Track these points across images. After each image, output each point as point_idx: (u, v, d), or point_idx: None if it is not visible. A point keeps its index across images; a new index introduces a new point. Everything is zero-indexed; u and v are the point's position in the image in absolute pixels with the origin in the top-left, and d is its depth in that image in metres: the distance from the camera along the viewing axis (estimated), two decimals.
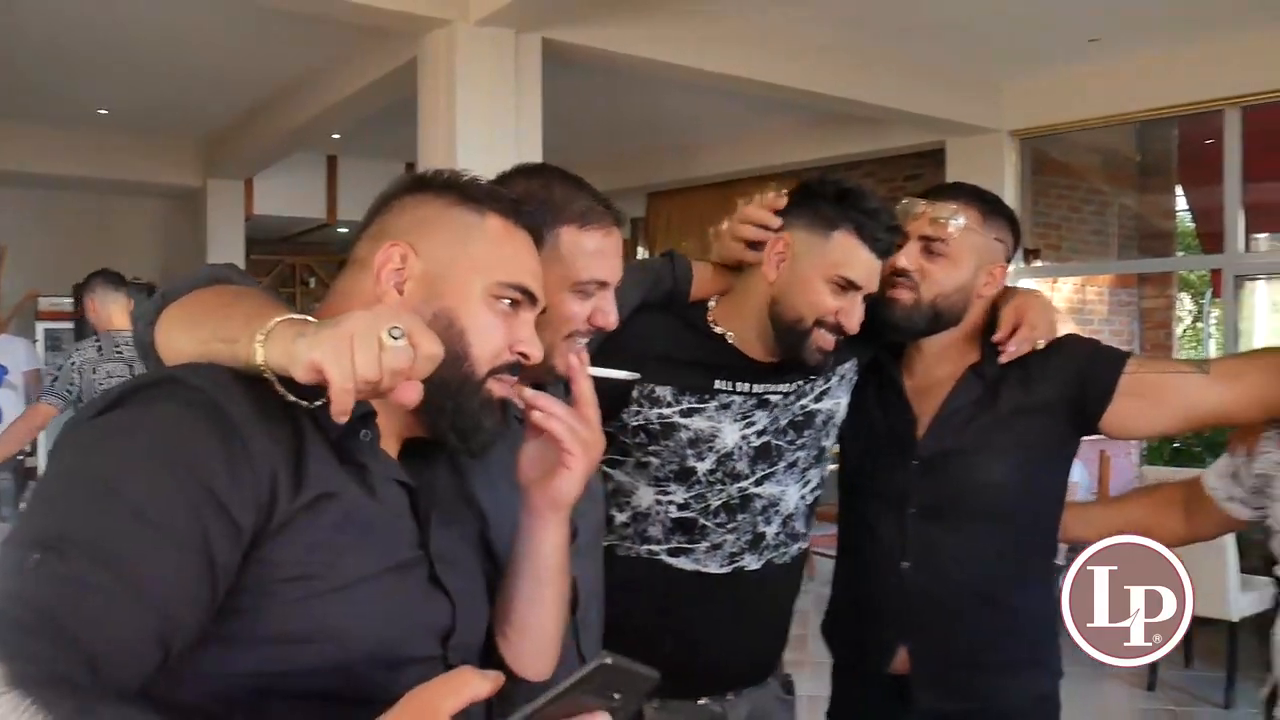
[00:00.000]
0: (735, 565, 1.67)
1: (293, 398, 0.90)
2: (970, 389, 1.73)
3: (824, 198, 1.60)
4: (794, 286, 1.60)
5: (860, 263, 1.58)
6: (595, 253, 1.29)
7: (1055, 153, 6.69)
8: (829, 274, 1.57)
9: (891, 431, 1.76)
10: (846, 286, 1.58)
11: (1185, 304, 9.60)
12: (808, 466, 1.72)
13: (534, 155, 4.48)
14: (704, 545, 1.65)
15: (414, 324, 0.88)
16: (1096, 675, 4.96)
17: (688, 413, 1.63)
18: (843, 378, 1.77)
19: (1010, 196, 6.12)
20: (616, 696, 0.77)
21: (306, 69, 5.70)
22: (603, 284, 1.29)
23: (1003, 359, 1.69)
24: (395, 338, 0.85)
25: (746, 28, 4.99)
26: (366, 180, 8.04)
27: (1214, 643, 4.44)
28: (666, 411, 1.63)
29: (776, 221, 1.61)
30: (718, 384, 1.64)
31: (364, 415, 0.94)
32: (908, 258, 1.69)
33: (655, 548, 1.66)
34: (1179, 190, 7.40)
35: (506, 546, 1.13)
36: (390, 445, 1.02)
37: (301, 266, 10.59)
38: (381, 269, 1.00)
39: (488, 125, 4.27)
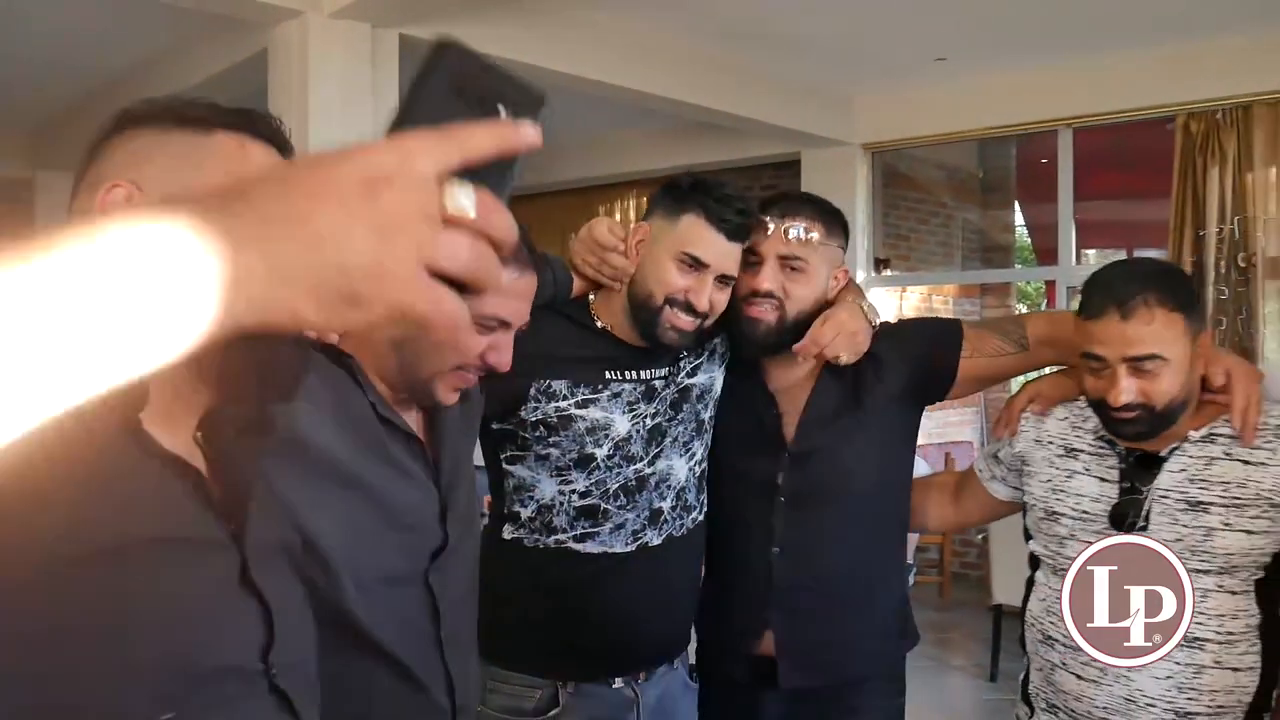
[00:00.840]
0: (639, 542, 1.74)
1: None
2: (830, 388, 1.82)
3: (679, 187, 1.70)
4: (646, 268, 1.69)
5: (706, 241, 1.66)
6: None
7: (903, 167, 6.93)
8: (675, 252, 1.67)
9: (760, 425, 1.83)
10: (693, 264, 1.67)
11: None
12: (689, 439, 1.80)
13: None
14: (608, 526, 1.72)
15: None
16: (940, 668, 5.15)
17: (583, 404, 1.70)
18: (713, 352, 1.86)
19: (861, 207, 6.32)
20: (502, 109, 0.58)
21: (148, 55, 5.41)
22: (504, 323, 1.30)
23: (797, 353, 1.77)
24: None
25: (606, 33, 4.99)
26: None
27: None
28: (563, 405, 1.69)
29: (631, 268, 1.71)
30: (608, 374, 1.72)
31: None
32: (770, 280, 1.75)
33: (562, 536, 1.71)
34: (1017, 206, 7.77)
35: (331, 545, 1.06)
36: (180, 421, 0.87)
37: None
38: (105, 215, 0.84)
39: (343, 123, 4.12)
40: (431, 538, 1.34)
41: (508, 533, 1.74)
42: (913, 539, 6.42)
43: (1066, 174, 5.73)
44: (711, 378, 1.83)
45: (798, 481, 1.80)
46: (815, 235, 1.76)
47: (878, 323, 1.84)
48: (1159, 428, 1.60)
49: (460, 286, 0.53)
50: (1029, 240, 8.47)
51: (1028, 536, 1.81)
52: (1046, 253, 6.80)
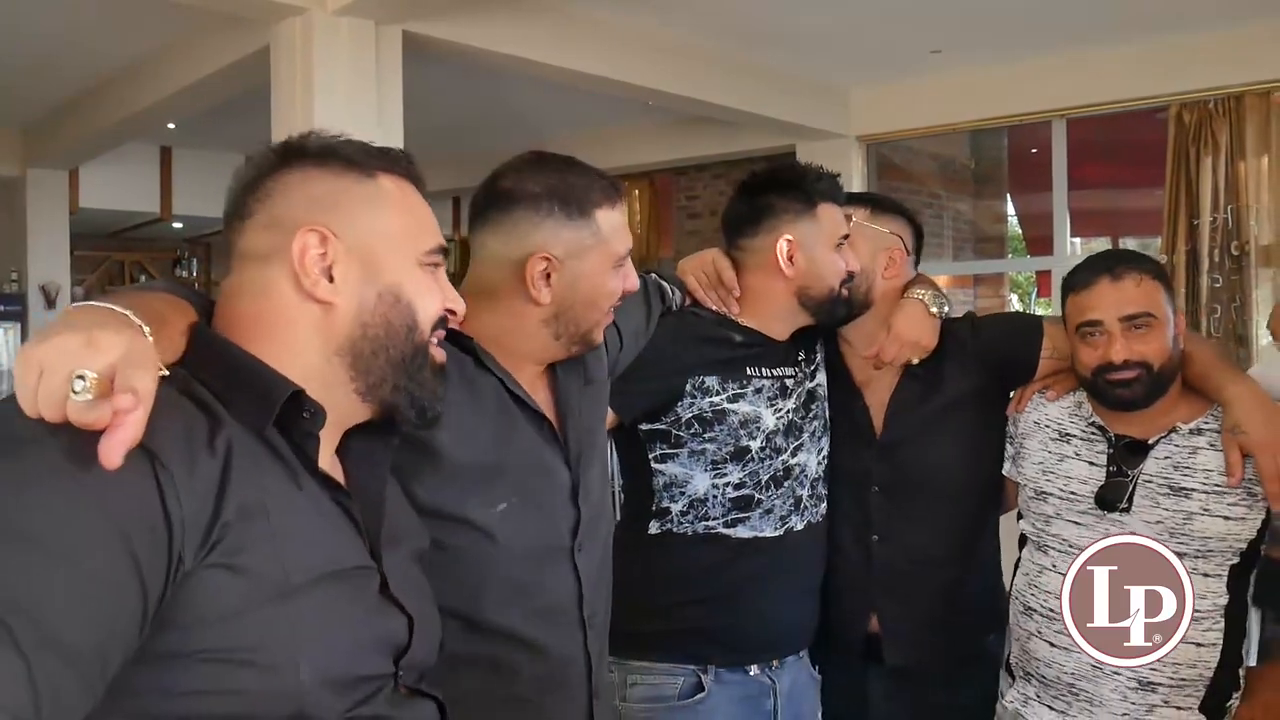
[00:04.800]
0: (785, 526, 1.83)
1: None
2: (914, 382, 1.92)
3: (791, 187, 1.81)
4: (817, 269, 1.80)
5: (841, 218, 1.84)
6: (621, 227, 1.43)
7: (896, 159, 6.97)
8: (834, 241, 1.81)
9: (849, 418, 1.95)
10: (841, 243, 1.83)
11: (1014, 304, 10.16)
12: (819, 435, 1.90)
13: None
14: (758, 512, 1.80)
15: (129, 360, 0.77)
16: None
17: (734, 398, 1.79)
18: (820, 356, 1.97)
19: None
20: None
21: (142, 53, 5.38)
22: (628, 251, 1.44)
23: (876, 366, 1.91)
24: (76, 391, 0.74)
25: (605, 28, 5.00)
26: (204, 173, 7.62)
27: None
28: (716, 400, 1.78)
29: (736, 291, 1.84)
30: (749, 370, 1.81)
31: (313, 411, 0.91)
32: None
33: (713, 523, 1.79)
34: (1008, 197, 7.82)
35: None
36: (328, 438, 0.96)
37: (132, 263, 9.98)
38: (303, 259, 0.93)
39: (348, 120, 4.11)
40: (567, 515, 1.38)
41: (654, 528, 1.80)
42: None
43: (1061, 165, 5.78)
44: (823, 379, 1.94)
45: (888, 472, 1.91)
46: (851, 217, 1.90)
47: (946, 310, 1.93)
48: (1156, 391, 1.67)
49: None
50: (1019, 230, 8.52)
51: (1019, 516, 1.89)
52: (1037, 242, 6.87)
